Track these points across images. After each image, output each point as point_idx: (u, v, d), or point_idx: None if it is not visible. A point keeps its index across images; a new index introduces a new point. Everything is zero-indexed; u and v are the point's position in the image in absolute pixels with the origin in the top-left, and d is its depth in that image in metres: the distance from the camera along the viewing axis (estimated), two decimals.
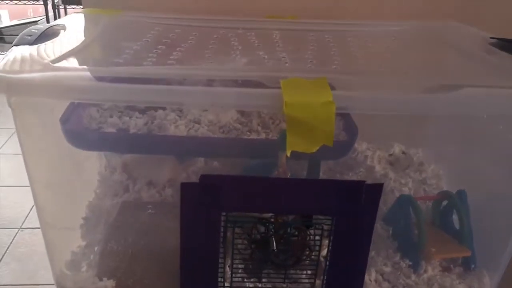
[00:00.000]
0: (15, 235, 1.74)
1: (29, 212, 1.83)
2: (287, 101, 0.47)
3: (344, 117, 0.71)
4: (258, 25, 0.77)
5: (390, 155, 0.88)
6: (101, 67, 0.56)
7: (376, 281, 0.65)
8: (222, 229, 0.56)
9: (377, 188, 0.54)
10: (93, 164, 0.84)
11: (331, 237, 0.56)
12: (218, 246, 0.57)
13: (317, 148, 0.51)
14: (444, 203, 0.71)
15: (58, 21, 0.71)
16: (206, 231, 0.56)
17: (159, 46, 0.65)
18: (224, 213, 0.55)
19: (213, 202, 0.54)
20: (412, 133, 0.89)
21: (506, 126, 0.66)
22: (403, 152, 0.89)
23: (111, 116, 0.73)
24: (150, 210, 0.65)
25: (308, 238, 0.62)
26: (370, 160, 0.84)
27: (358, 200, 0.54)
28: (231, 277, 0.61)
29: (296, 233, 0.61)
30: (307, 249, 0.62)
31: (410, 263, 0.65)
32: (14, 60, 0.51)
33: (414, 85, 0.53)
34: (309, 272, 0.61)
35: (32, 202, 1.85)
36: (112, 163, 0.84)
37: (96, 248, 0.67)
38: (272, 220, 0.58)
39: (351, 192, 0.54)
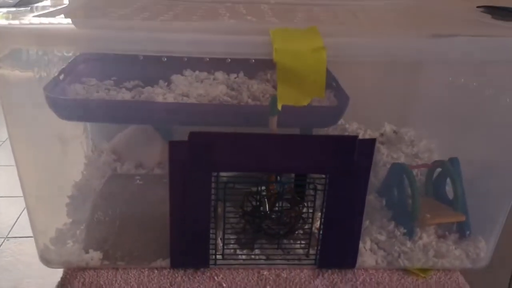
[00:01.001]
0: (1, 245, 1.71)
1: (15, 222, 1.79)
2: (276, 47, 0.46)
3: (335, 88, 0.70)
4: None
5: (381, 134, 0.87)
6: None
7: (371, 249, 0.63)
8: (213, 191, 0.55)
9: (370, 143, 0.53)
10: (79, 147, 0.83)
11: (325, 196, 0.55)
12: (209, 211, 0.55)
13: (309, 100, 0.49)
14: (437, 172, 0.70)
15: None
16: (196, 193, 0.54)
17: (145, 13, 0.64)
18: (215, 173, 0.54)
19: (203, 161, 0.52)
20: (403, 113, 0.89)
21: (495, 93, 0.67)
22: (394, 132, 0.88)
23: (97, 91, 0.71)
24: (138, 181, 0.63)
25: (300, 207, 0.60)
26: None
27: (351, 155, 0.53)
28: (223, 247, 0.59)
29: (290, 197, 0.59)
30: (300, 219, 0.61)
31: (405, 230, 0.64)
32: None
33: (406, 34, 0.52)
34: (303, 242, 0.60)
35: (18, 212, 1.81)
36: (99, 146, 0.83)
37: (82, 226, 0.65)
38: (265, 182, 0.57)
39: (344, 148, 0.53)
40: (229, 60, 0.83)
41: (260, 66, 0.83)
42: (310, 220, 0.58)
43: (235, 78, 0.82)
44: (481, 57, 0.56)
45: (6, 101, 0.54)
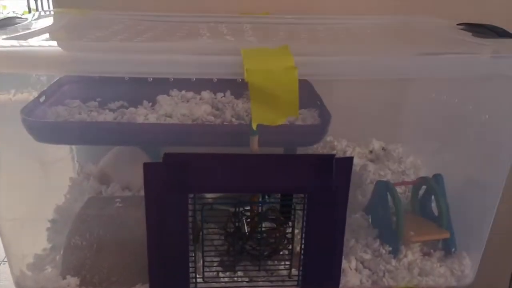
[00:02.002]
0: None
1: None
2: (248, 67, 0.46)
3: (319, 106, 0.70)
4: (230, 19, 0.77)
5: (370, 151, 0.87)
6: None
7: (356, 269, 0.62)
8: (190, 213, 0.54)
9: (347, 162, 0.52)
10: (64, 167, 0.82)
11: (304, 216, 0.54)
12: (187, 233, 0.54)
13: (284, 119, 0.49)
14: (422, 189, 0.69)
15: (21, 15, 0.70)
16: (173, 216, 0.53)
17: (125, 34, 0.64)
18: (191, 195, 0.53)
19: (179, 182, 0.52)
20: (391, 129, 0.88)
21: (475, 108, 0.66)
22: (383, 148, 0.87)
23: (79, 113, 0.71)
24: (118, 204, 0.62)
25: (285, 227, 0.59)
26: None
27: (329, 174, 0.52)
28: (203, 270, 0.58)
29: (273, 217, 0.59)
30: (285, 239, 0.60)
31: (390, 248, 0.63)
32: None
33: (387, 52, 0.52)
34: (286, 262, 0.59)
35: None
36: (85, 168, 0.82)
37: (62, 251, 0.64)
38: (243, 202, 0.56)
39: (322, 167, 0.52)
40: (215, 79, 0.82)
41: (246, 86, 0.83)
42: (292, 240, 0.57)
43: (222, 97, 0.81)
44: (462, 75, 0.56)
45: None
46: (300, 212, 0.55)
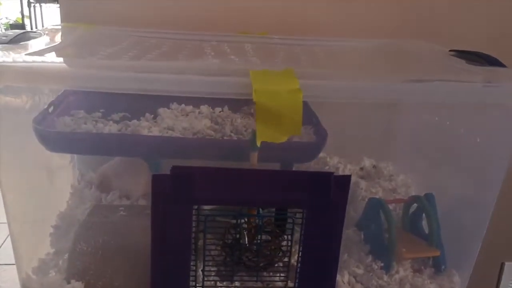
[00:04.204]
0: None
1: None
2: (256, 88, 0.49)
3: (315, 124, 0.73)
4: (231, 38, 0.80)
5: (361, 168, 0.90)
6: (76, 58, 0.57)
7: (349, 283, 0.65)
8: (194, 224, 0.56)
9: (345, 179, 0.55)
10: (66, 175, 0.84)
11: (302, 231, 0.57)
12: (190, 243, 0.57)
13: (286, 137, 0.52)
14: (413, 207, 0.72)
15: (34, 30, 0.73)
16: (177, 226, 0.55)
17: (134, 51, 0.67)
18: (195, 207, 0.55)
19: (185, 194, 0.54)
20: (382, 147, 0.92)
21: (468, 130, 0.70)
22: (374, 166, 0.91)
23: (85, 123, 0.73)
24: (122, 212, 0.64)
25: (280, 240, 0.62)
26: (341, 173, 0.85)
27: (327, 191, 0.55)
28: (203, 279, 0.60)
29: (269, 229, 0.61)
30: (280, 251, 0.62)
31: (382, 264, 0.66)
32: None
33: (383, 78, 0.55)
34: (282, 274, 0.61)
35: (2, 238, 1.78)
36: (86, 176, 0.84)
37: (65, 256, 0.66)
38: (244, 215, 0.59)
39: (320, 184, 0.55)
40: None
41: (244, 101, 0.86)
42: (289, 253, 0.60)
43: (220, 112, 0.84)
44: (454, 101, 0.59)
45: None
46: (296, 226, 0.58)
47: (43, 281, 0.60)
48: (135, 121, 0.76)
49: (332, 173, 0.54)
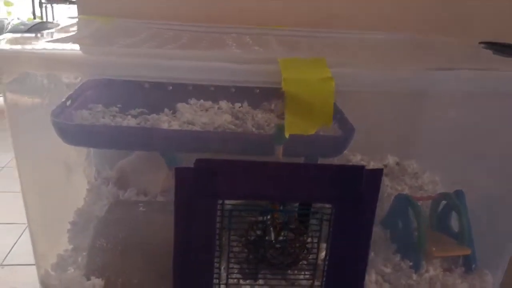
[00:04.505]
0: None
1: (11, 249, 1.77)
2: (285, 76, 0.47)
3: (339, 119, 0.71)
4: (252, 31, 0.78)
5: (385, 166, 0.87)
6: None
7: (376, 282, 0.62)
8: (218, 219, 0.54)
9: (377, 173, 0.52)
10: (80, 172, 0.82)
11: (331, 227, 0.54)
12: (215, 239, 0.55)
13: (316, 129, 0.50)
14: (442, 204, 0.70)
15: (51, 21, 0.71)
16: (202, 221, 0.53)
17: (153, 42, 0.65)
18: (220, 201, 0.53)
19: (209, 188, 0.52)
20: (406, 145, 0.89)
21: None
22: (397, 163, 0.88)
23: (103, 117, 0.72)
24: (141, 208, 0.62)
25: (305, 237, 0.60)
26: None
27: (358, 186, 0.53)
28: (227, 277, 0.58)
29: (294, 227, 0.59)
30: (305, 249, 0.60)
31: (411, 263, 0.63)
32: (7, 41, 0.50)
33: (411, 66, 0.53)
34: (307, 273, 0.59)
35: (14, 239, 1.78)
36: (102, 173, 0.83)
37: (84, 253, 0.64)
38: (271, 210, 0.56)
39: (351, 178, 0.52)
40: (234, 89, 0.84)
41: (264, 96, 0.84)
42: (315, 250, 0.58)
43: (240, 107, 0.82)
44: (483, 90, 0.57)
45: (14, 125, 0.54)
46: (322, 223, 0.56)
47: (62, 277, 0.59)
48: (154, 115, 0.74)
49: (364, 166, 0.52)
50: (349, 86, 0.49)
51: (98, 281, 0.57)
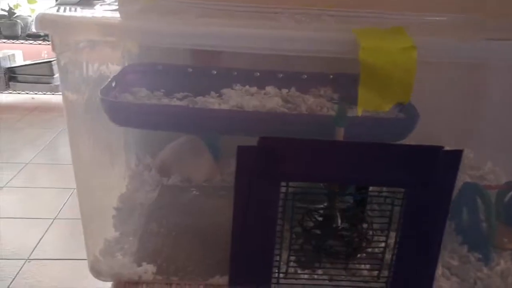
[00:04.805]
0: (22, 266, 1.67)
1: (37, 244, 1.76)
2: (363, 45, 0.43)
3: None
4: (303, 11, 0.74)
5: None
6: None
7: (443, 275, 0.58)
8: (280, 203, 0.50)
9: (456, 155, 0.48)
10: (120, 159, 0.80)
11: (402, 213, 0.50)
12: (276, 224, 0.51)
13: (391, 106, 0.46)
14: (510, 195, 0.65)
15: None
16: (263, 205, 0.50)
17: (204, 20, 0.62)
18: (284, 183, 0.50)
19: (272, 168, 0.48)
20: (463, 135, 0.84)
21: None
22: None
23: (148, 99, 0.69)
24: (194, 192, 0.59)
25: (369, 224, 0.56)
26: None
27: (434, 168, 0.48)
28: (287, 265, 0.54)
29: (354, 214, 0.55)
30: (366, 238, 0.56)
31: (480, 256, 0.59)
32: (60, 8, 0.47)
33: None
34: (372, 262, 0.55)
35: (40, 234, 1.77)
36: (143, 160, 0.80)
37: (130, 238, 0.61)
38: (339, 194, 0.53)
39: (426, 159, 0.48)
40: (281, 75, 0.80)
41: (312, 83, 0.80)
42: (382, 239, 0.54)
43: (287, 92, 0.78)
44: None
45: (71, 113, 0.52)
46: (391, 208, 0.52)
47: (112, 263, 0.56)
48: (201, 97, 0.71)
49: (442, 146, 0.48)
50: (434, 57, 0.45)
51: (150, 267, 0.54)
